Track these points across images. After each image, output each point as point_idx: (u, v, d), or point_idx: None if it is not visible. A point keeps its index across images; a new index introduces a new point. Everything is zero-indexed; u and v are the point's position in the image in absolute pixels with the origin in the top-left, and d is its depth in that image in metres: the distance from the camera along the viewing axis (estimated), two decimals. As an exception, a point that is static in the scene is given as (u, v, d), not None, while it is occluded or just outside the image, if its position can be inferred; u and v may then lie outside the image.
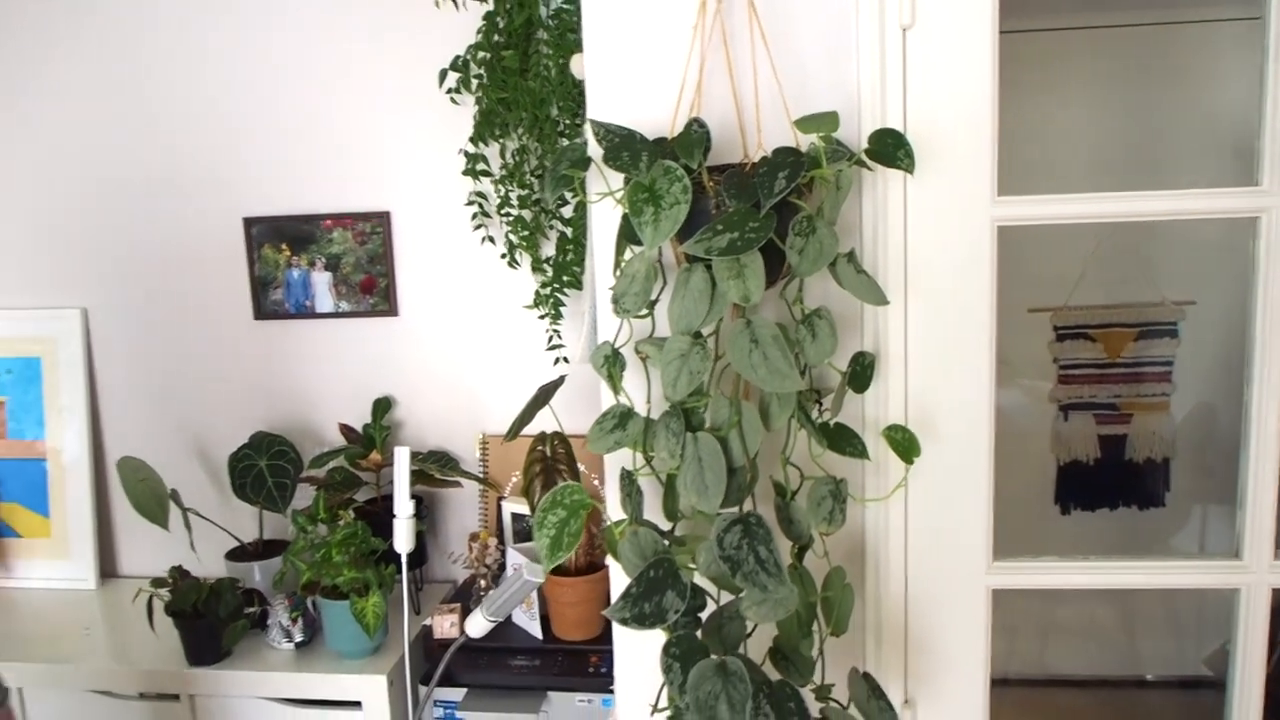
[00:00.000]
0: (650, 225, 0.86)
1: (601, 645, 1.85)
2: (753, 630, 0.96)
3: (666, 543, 0.97)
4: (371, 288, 2.20)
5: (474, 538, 2.05)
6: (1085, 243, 2.83)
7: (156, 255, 2.27)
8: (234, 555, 2.10)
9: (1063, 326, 2.96)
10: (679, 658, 0.91)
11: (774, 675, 0.96)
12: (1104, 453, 2.96)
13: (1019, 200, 0.98)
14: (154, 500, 2.03)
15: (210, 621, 1.85)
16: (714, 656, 0.88)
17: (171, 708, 1.90)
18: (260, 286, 2.23)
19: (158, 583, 1.89)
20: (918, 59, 0.96)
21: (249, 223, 2.21)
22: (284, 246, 2.21)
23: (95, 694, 1.95)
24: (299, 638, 1.92)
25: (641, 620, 0.90)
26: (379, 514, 2.01)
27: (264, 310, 2.24)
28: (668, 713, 0.97)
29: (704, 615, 0.98)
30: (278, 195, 2.19)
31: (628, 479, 0.99)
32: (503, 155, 2.01)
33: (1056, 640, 3.01)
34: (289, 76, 2.13)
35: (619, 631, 1.14)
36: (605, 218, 1.04)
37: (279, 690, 1.86)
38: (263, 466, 2.08)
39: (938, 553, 1.05)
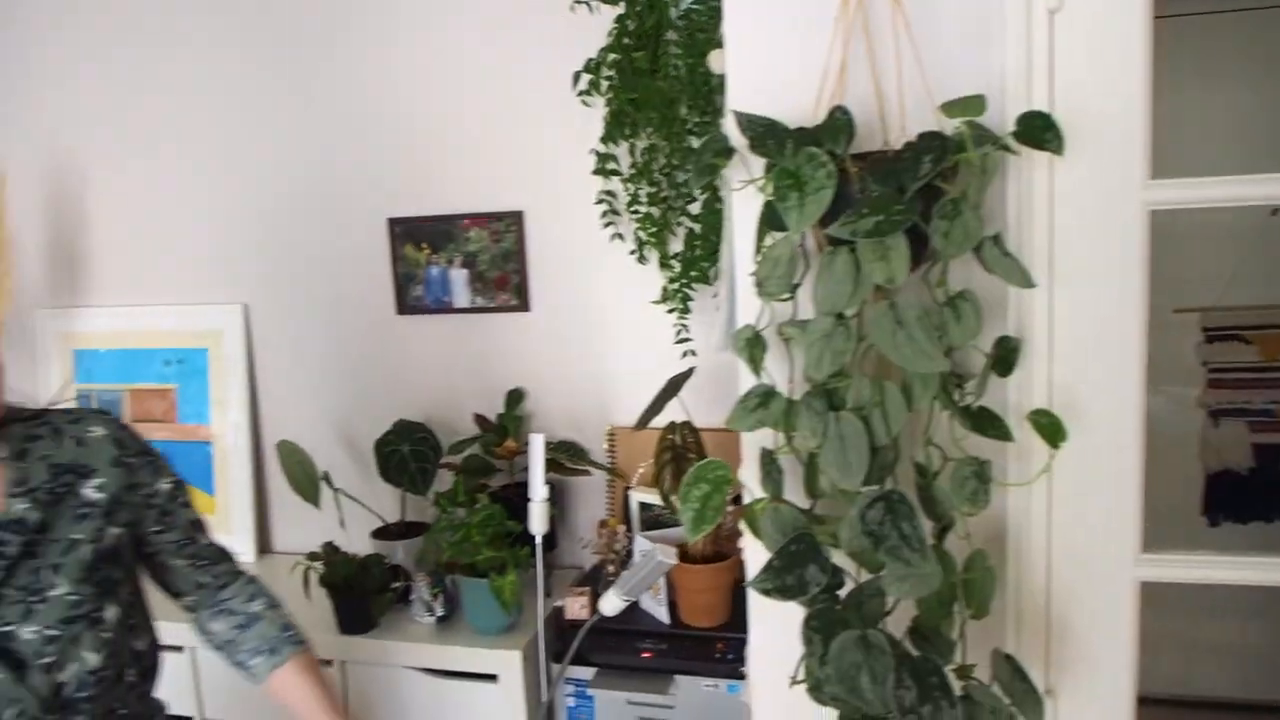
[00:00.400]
0: (795, 210, 0.89)
1: (728, 633, 1.88)
2: (892, 608, 0.98)
3: (808, 521, 0.99)
4: (505, 284, 2.29)
5: (603, 524, 2.12)
6: (1236, 240, 2.69)
7: (310, 255, 2.43)
8: (379, 534, 2.23)
9: (1213, 328, 2.81)
10: (819, 630, 0.93)
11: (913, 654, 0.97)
12: (1259, 462, 2.80)
13: (1172, 183, 0.97)
14: (308, 481, 2.18)
15: (360, 594, 1.98)
16: (855, 630, 0.91)
17: (324, 672, 2.03)
18: (402, 283, 2.36)
19: (312, 556, 2.03)
20: (1065, 42, 0.96)
21: (393, 223, 2.34)
22: (424, 245, 2.33)
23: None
24: (439, 612, 2.03)
25: (783, 592, 0.93)
26: (512, 499, 2.09)
27: (406, 306, 2.37)
28: (806, 684, 1.00)
29: (842, 594, 1.00)
30: (419, 197, 2.31)
31: (768, 458, 1.02)
32: (632, 154, 2.07)
33: (1202, 660, 2.86)
34: (429, 84, 2.25)
35: (755, 609, 1.17)
36: (746, 206, 1.08)
37: (421, 660, 1.97)
38: (405, 452, 2.20)
39: (1082, 542, 1.04)
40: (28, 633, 1.04)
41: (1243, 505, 2.81)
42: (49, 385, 2.60)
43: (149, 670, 1.21)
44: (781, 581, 0.93)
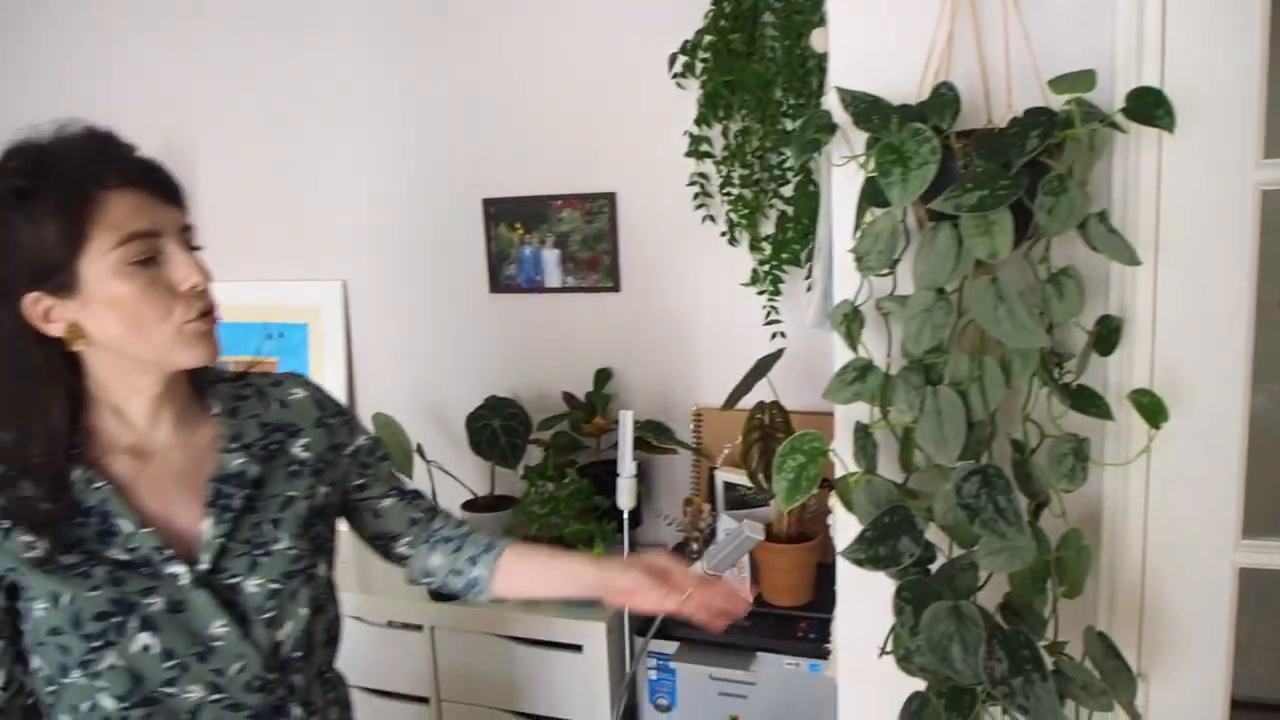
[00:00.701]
0: (898, 185, 0.90)
1: (810, 613, 1.89)
2: (984, 583, 0.98)
3: (901, 495, 1.00)
4: (596, 265, 2.33)
5: (688, 502, 2.15)
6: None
7: (407, 234, 2.51)
8: (468, 506, 2.31)
9: (1321, 322, 2.70)
10: (911, 601, 0.95)
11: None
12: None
13: (1289, 162, 0.95)
14: (402, 453, 2.26)
15: (452, 561, 2.05)
16: (947, 600, 0.92)
17: (415, 636, 2.12)
18: (496, 262, 2.42)
19: (407, 524, 2.11)
20: (1178, 18, 0.94)
21: (487, 203, 2.40)
22: (518, 225, 2.38)
23: (350, 619, 2.20)
24: (527, 583, 2.08)
25: (875, 562, 0.94)
26: (599, 475, 2.14)
27: (498, 284, 2.43)
28: (895, 654, 1.01)
29: (933, 568, 1.01)
30: (513, 178, 2.37)
31: (862, 431, 1.03)
32: (725, 136, 2.08)
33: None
34: (526, 67, 2.30)
35: (843, 582, 1.18)
36: (846, 183, 1.09)
37: (508, 629, 2.03)
38: (496, 427, 2.27)
39: (1180, 525, 1.03)
40: (252, 586, 1.04)
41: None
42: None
43: (336, 638, 1.20)
44: (874, 551, 0.95)
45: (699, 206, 2.17)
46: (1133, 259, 0.92)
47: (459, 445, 2.39)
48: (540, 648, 2.03)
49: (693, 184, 2.16)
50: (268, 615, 1.04)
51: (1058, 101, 0.93)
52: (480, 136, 2.38)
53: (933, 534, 1.02)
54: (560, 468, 2.10)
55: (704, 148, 2.10)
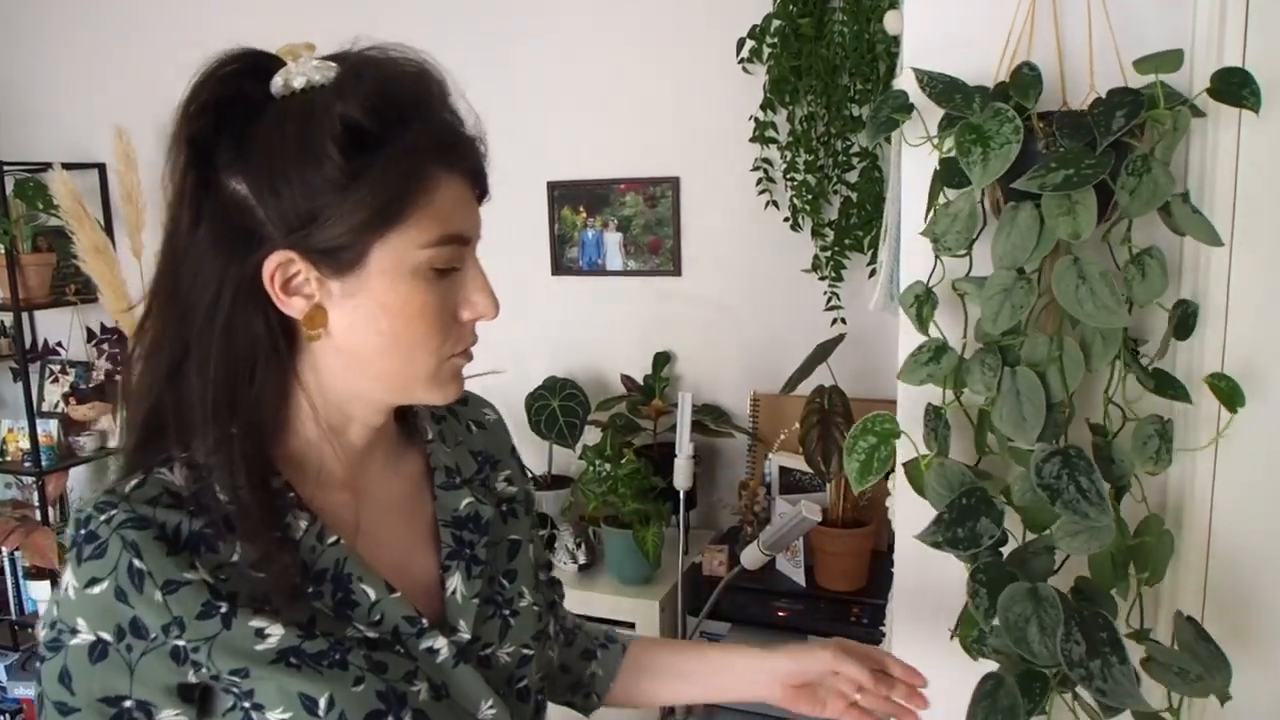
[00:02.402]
0: (979, 165, 0.90)
1: (864, 598, 1.90)
2: (1059, 566, 0.98)
3: (975, 477, 1.00)
4: (658, 249, 2.35)
5: (743, 486, 2.16)
6: None
7: (471, 215, 2.54)
8: (527, 484, 2.34)
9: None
10: (986, 584, 0.94)
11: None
12: None
13: (1379, 146, 0.93)
14: (464, 429, 2.30)
15: (510, 537, 2.09)
16: (1024, 582, 0.92)
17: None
18: (559, 244, 2.45)
19: (468, 499, 2.15)
20: (1261, 0, 0.93)
21: (551, 186, 2.43)
22: (581, 209, 2.41)
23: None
24: (582, 560, 2.12)
25: (954, 543, 0.94)
26: (656, 457, 2.16)
27: (561, 266, 2.46)
28: (966, 638, 1.01)
29: (1004, 551, 1.01)
30: (578, 161, 2.39)
31: (934, 413, 1.04)
32: (791, 122, 2.08)
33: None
34: (591, 52, 2.32)
35: (901, 566, 1.18)
36: (918, 165, 1.09)
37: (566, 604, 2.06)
38: (555, 406, 2.30)
39: (1250, 513, 1.02)
40: (504, 655, 0.81)
41: None
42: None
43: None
44: (952, 534, 0.95)
45: (762, 192, 2.18)
46: (1216, 240, 0.91)
47: (518, 424, 2.42)
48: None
49: (756, 169, 2.17)
50: (520, 687, 0.83)
51: (1138, 82, 0.92)
52: (545, 119, 2.40)
53: (1007, 520, 1.02)
54: (618, 448, 2.13)
55: (769, 133, 2.10)
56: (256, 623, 0.68)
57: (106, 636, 0.66)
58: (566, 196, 2.41)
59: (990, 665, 0.98)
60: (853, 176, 2.04)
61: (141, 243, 2.62)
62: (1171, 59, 0.89)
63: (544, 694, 0.88)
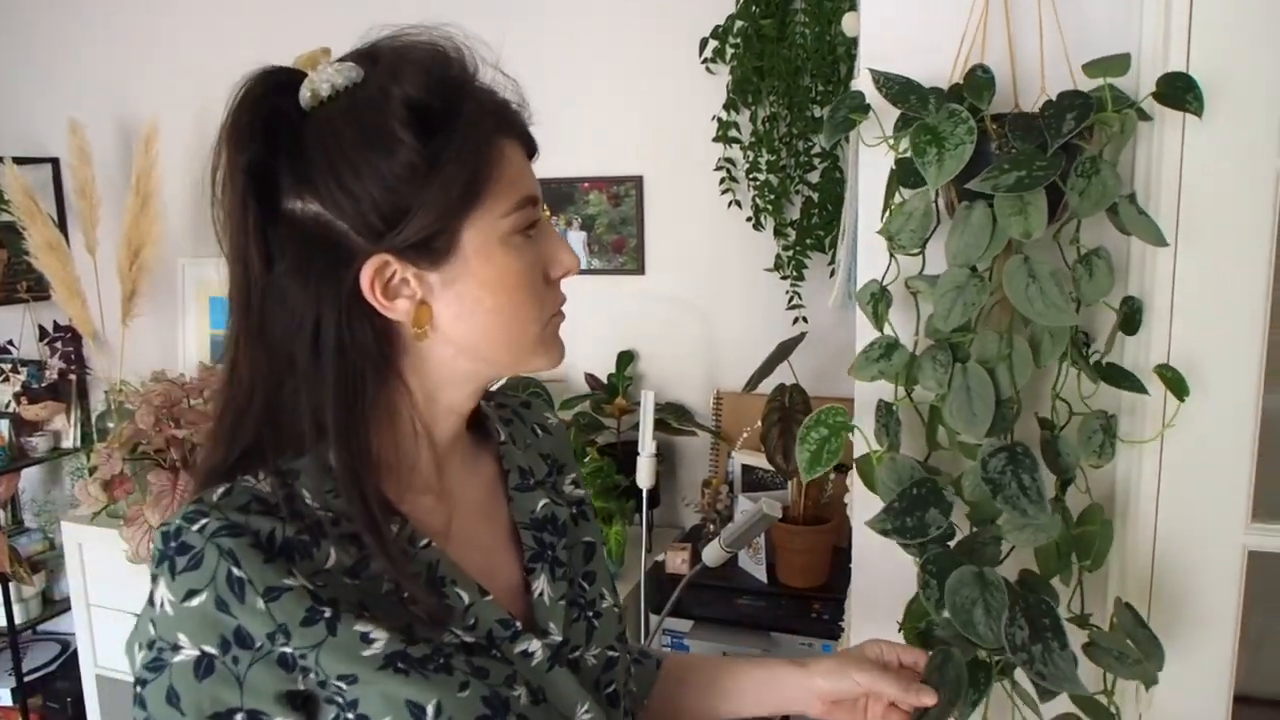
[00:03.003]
0: (934, 165, 0.92)
1: (824, 594, 1.92)
2: (1005, 556, 1.00)
3: (924, 472, 1.02)
4: (622, 247, 2.36)
5: (706, 484, 2.17)
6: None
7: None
8: (490, 483, 2.33)
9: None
10: (936, 574, 0.97)
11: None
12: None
13: (1312, 150, 0.96)
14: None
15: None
16: (972, 566, 0.94)
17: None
18: (522, 243, 2.44)
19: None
20: (1205, 5, 0.95)
21: (515, 184, 2.42)
22: (545, 208, 2.40)
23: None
24: (546, 559, 2.11)
25: (902, 532, 0.96)
26: (619, 456, 2.17)
27: (524, 265, 2.45)
28: (915, 629, 1.03)
29: (952, 544, 1.03)
30: (542, 160, 2.37)
31: (886, 409, 1.05)
32: (753, 122, 2.10)
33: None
34: (556, 50, 2.32)
35: (858, 559, 1.20)
36: (875, 164, 1.11)
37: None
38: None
39: (1191, 507, 1.05)
40: (591, 657, 0.80)
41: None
42: (187, 332, 2.77)
43: None
44: (901, 522, 0.97)
45: (725, 191, 2.19)
46: (1161, 240, 0.93)
47: (481, 423, 2.42)
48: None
49: (719, 169, 2.18)
50: (610, 691, 0.82)
51: (1088, 86, 0.94)
52: (533, 112, 2.39)
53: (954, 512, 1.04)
54: (581, 447, 2.13)
55: (732, 133, 2.12)
56: (360, 627, 0.66)
57: (211, 650, 0.64)
58: (530, 195, 2.41)
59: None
60: (814, 177, 2.06)
61: (96, 239, 2.57)
62: (1119, 63, 0.91)
63: (632, 699, 0.86)
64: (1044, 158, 0.89)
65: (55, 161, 2.81)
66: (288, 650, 0.64)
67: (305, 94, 0.68)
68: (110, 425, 2.44)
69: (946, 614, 0.92)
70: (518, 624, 0.75)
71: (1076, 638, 0.99)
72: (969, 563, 0.96)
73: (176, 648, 0.64)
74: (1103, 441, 0.95)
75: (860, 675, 0.89)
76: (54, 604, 2.73)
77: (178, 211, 2.68)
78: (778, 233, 2.12)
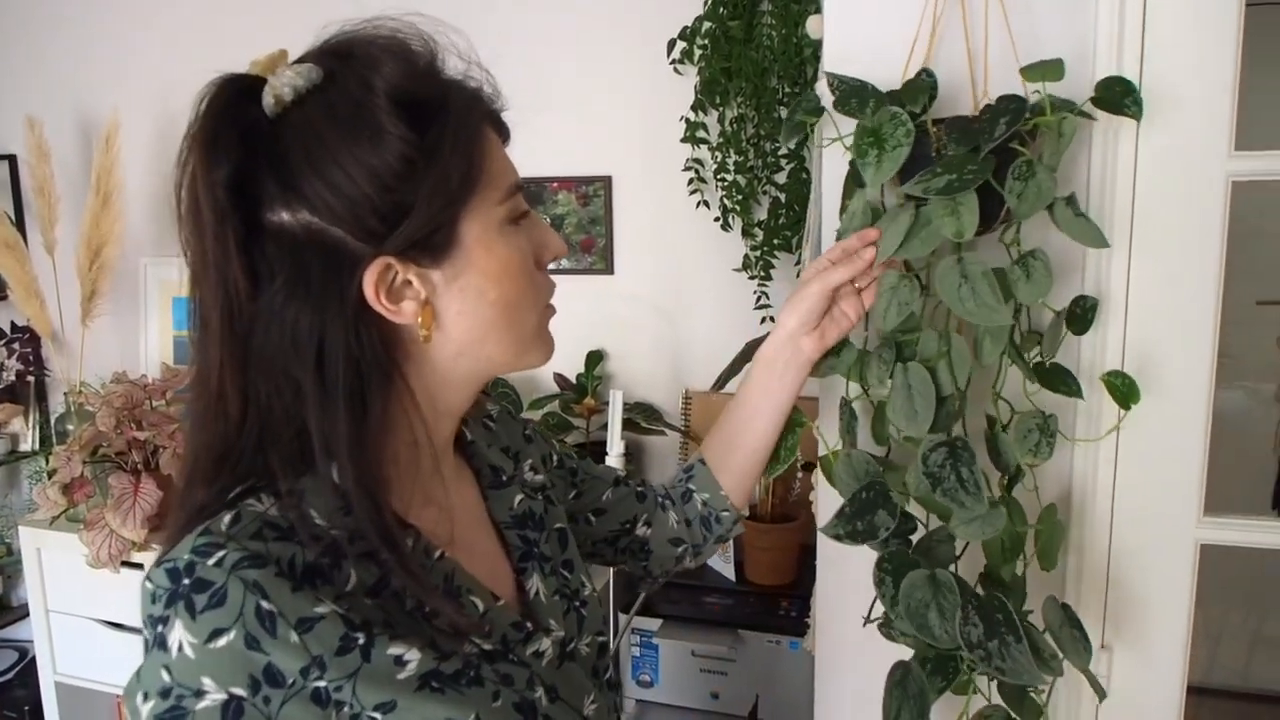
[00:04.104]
0: (873, 166, 0.93)
1: (792, 592, 1.93)
2: (961, 553, 1.01)
3: (880, 467, 1.03)
4: (591, 247, 2.36)
5: (674, 483, 2.18)
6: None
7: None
8: (459, 483, 2.33)
9: (1297, 322, 2.74)
10: (891, 572, 0.97)
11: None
12: (1333, 458, 2.74)
13: (1256, 155, 0.98)
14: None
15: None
16: (924, 569, 0.95)
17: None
18: (492, 243, 2.44)
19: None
20: (1156, 10, 0.97)
21: (485, 184, 2.42)
22: (517, 205, 2.41)
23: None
24: (514, 559, 2.12)
25: (854, 536, 0.97)
26: (588, 456, 2.16)
27: (494, 265, 2.45)
28: (878, 623, 1.04)
29: (914, 540, 1.04)
30: (511, 160, 2.39)
31: (845, 406, 1.06)
32: (721, 123, 2.11)
33: (1263, 653, 2.83)
34: (524, 49, 2.32)
35: (824, 557, 1.21)
36: (834, 164, 1.11)
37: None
38: (488, 405, 2.30)
39: (1146, 502, 1.06)
40: (584, 646, 0.81)
41: (1312, 498, 2.76)
42: (149, 333, 2.75)
43: None
44: (853, 526, 0.98)
45: (693, 192, 2.20)
46: (1099, 242, 0.94)
47: (451, 423, 2.42)
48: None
49: (688, 169, 2.18)
50: (607, 677, 0.84)
51: (1036, 89, 0.95)
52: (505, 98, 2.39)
53: (917, 509, 1.05)
54: (550, 447, 2.13)
55: (700, 134, 2.12)
56: (394, 650, 0.63)
57: (240, 691, 0.59)
58: (500, 195, 2.41)
59: (909, 652, 1.01)
60: (781, 178, 2.07)
61: (54, 238, 2.54)
62: (1054, 68, 0.92)
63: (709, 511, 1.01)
64: (975, 161, 0.89)
65: (12, 159, 2.78)
66: (322, 684, 0.60)
67: (268, 99, 0.65)
68: (70, 428, 2.42)
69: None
70: (528, 625, 0.75)
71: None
72: (925, 562, 0.97)
73: (200, 693, 0.59)
74: (1039, 440, 0.96)
75: (809, 286, 0.97)
76: (11, 610, 2.71)
77: (139, 210, 2.66)
78: (746, 233, 2.13)
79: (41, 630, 2.07)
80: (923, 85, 0.97)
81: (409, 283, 0.67)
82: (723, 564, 2.02)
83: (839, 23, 1.10)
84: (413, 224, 0.64)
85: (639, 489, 1.05)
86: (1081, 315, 1.00)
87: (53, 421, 2.78)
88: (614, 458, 1.85)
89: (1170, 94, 0.98)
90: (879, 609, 1.00)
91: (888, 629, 1.02)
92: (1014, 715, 0.99)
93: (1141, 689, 1.10)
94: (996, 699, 1.00)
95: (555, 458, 0.99)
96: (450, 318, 0.69)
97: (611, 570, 1.87)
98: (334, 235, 0.63)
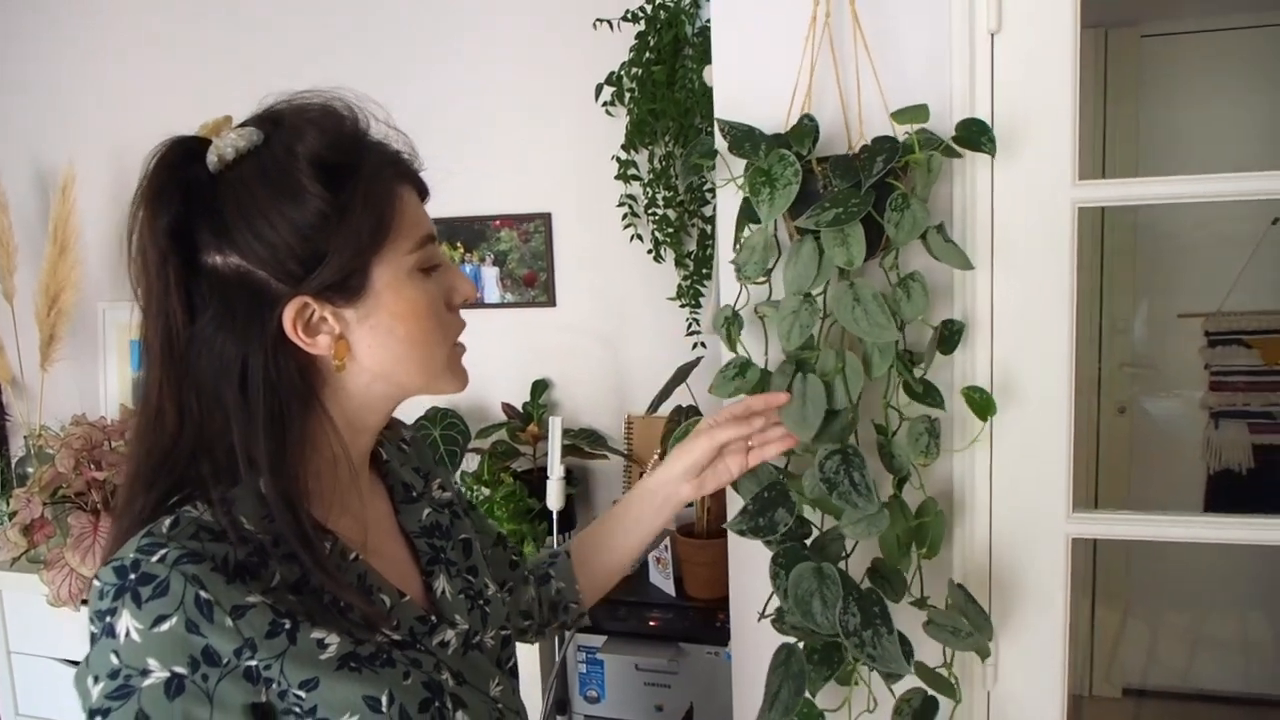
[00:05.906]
0: (767, 203, 1.04)
1: (727, 603, 2.01)
2: (852, 550, 1.12)
3: (782, 477, 1.14)
4: (533, 281, 2.46)
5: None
6: (1239, 247, 2.78)
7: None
8: (411, 512, 2.40)
9: (1215, 332, 2.90)
10: (785, 567, 1.08)
11: (868, 591, 1.11)
12: (1258, 462, 2.88)
13: (1098, 184, 1.11)
14: (347, 461, 2.35)
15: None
16: (812, 562, 1.05)
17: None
18: (438, 279, 2.53)
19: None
20: (1004, 59, 1.10)
21: (430, 223, 2.51)
22: (459, 244, 2.50)
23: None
24: (465, 583, 2.18)
25: (755, 531, 1.08)
26: (534, 481, 2.25)
27: (440, 300, 2.53)
28: (771, 617, 1.14)
29: (808, 543, 1.14)
30: (453, 199, 2.49)
31: (750, 421, 1.16)
32: (651, 161, 2.23)
33: (1201, 653, 2.93)
34: (464, 94, 2.43)
35: (734, 558, 1.31)
36: (728, 202, 1.23)
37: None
38: (436, 435, 2.37)
39: (1021, 502, 1.18)
40: (489, 640, 0.91)
41: (1242, 504, 2.89)
42: (108, 375, 2.79)
43: None
44: (755, 523, 1.08)
45: (627, 226, 2.31)
46: (966, 264, 1.06)
47: (402, 455, 2.48)
48: (477, 644, 2.12)
49: (622, 205, 2.30)
50: (510, 666, 0.95)
51: (909, 130, 1.08)
52: (422, 159, 2.49)
53: (812, 515, 1.15)
54: (495, 473, 2.21)
55: (631, 171, 2.24)
56: (317, 634, 0.73)
57: (181, 670, 0.68)
58: (444, 233, 2.50)
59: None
60: (709, 210, 2.19)
61: (13, 285, 2.59)
62: (921, 111, 1.05)
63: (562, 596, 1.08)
64: (858, 196, 1.01)
65: (-31, 208, 2.82)
66: (253, 663, 0.70)
67: (212, 158, 0.75)
68: (30, 470, 2.44)
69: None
70: (433, 618, 0.85)
71: (918, 618, 1.11)
72: (817, 559, 1.08)
73: (145, 672, 0.67)
74: (928, 442, 1.08)
75: (698, 439, 1.07)
76: (-28, 653, 2.71)
77: (97, 256, 2.71)
78: (678, 263, 2.24)
79: (3, 670, 2.09)
80: (807, 129, 1.09)
81: (325, 319, 0.77)
82: (663, 579, 2.11)
83: (726, 73, 1.23)
84: (327, 269, 0.75)
85: (514, 557, 1.12)
86: (949, 337, 1.12)
87: (13, 465, 2.80)
88: (554, 481, 1.94)
89: (1021, 130, 1.11)
90: (775, 605, 1.10)
91: (780, 623, 1.11)
92: (931, 692, 1.10)
93: (1026, 676, 1.21)
94: (878, 688, 1.10)
95: (455, 491, 1.06)
96: (363, 350, 0.79)
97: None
98: (259, 277, 0.74)
